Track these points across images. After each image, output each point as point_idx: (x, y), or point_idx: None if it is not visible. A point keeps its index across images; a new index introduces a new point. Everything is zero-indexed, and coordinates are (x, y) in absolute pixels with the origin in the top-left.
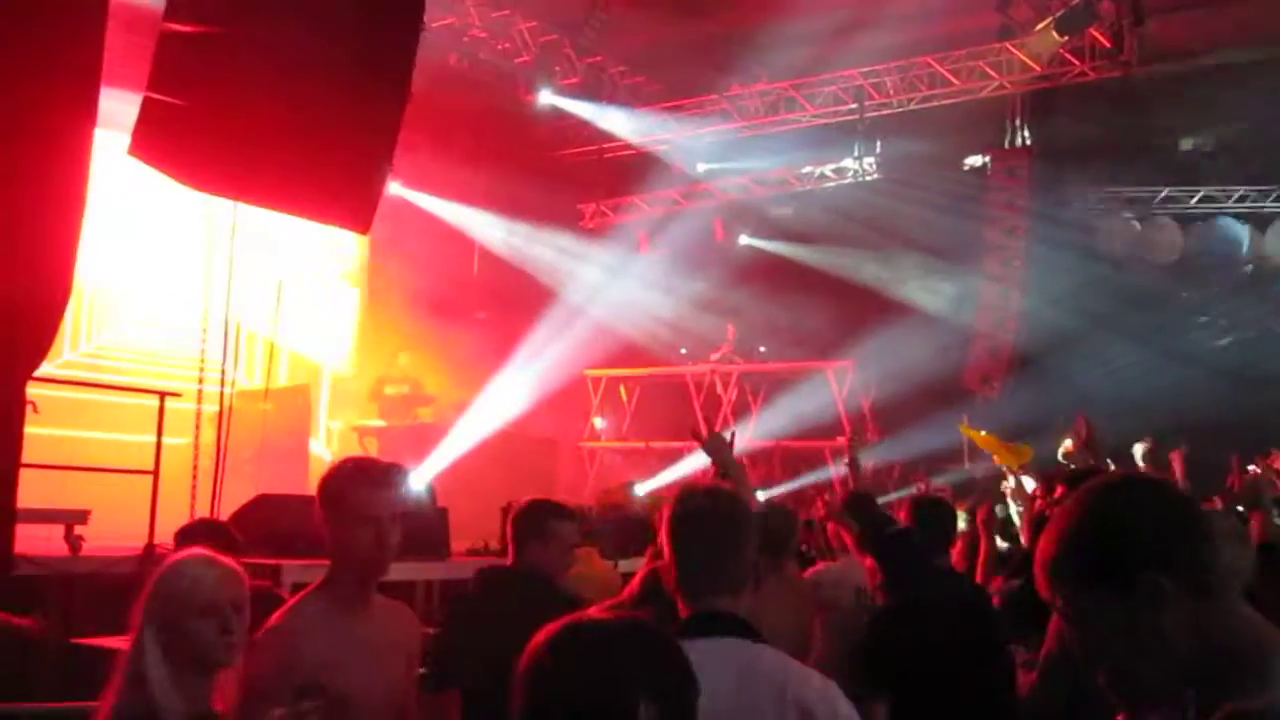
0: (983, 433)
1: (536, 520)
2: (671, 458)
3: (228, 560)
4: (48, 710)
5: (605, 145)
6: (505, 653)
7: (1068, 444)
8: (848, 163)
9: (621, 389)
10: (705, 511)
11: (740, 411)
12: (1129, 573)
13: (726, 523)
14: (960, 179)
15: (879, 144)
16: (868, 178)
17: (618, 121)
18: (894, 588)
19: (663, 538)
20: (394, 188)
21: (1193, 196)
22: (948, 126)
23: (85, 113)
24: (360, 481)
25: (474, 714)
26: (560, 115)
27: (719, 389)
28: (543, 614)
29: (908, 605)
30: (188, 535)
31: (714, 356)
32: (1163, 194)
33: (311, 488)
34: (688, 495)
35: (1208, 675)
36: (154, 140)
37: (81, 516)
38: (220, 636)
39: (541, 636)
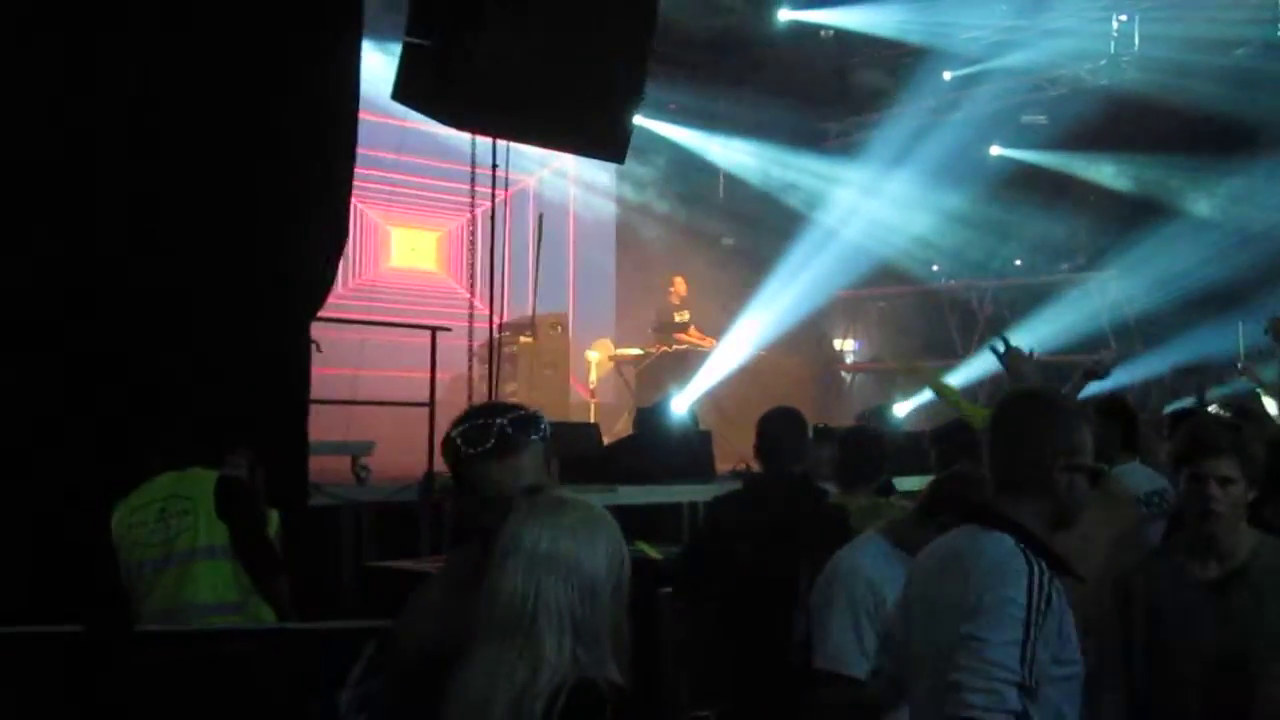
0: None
1: None
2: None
3: None
4: (348, 627)
5: (847, 64)
6: None
7: None
8: (1105, 62)
9: (874, 309)
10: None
11: (996, 328)
12: None
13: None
14: (1231, 70)
15: (1136, 37)
16: (1127, 76)
17: (861, 21)
18: None
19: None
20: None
21: None
22: (1214, 12)
23: (349, 63)
24: None
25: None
26: (800, 33)
27: (974, 305)
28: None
29: None
30: None
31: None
32: None
33: (574, 417)
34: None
35: None
36: (416, 84)
37: (367, 448)
38: None
39: None
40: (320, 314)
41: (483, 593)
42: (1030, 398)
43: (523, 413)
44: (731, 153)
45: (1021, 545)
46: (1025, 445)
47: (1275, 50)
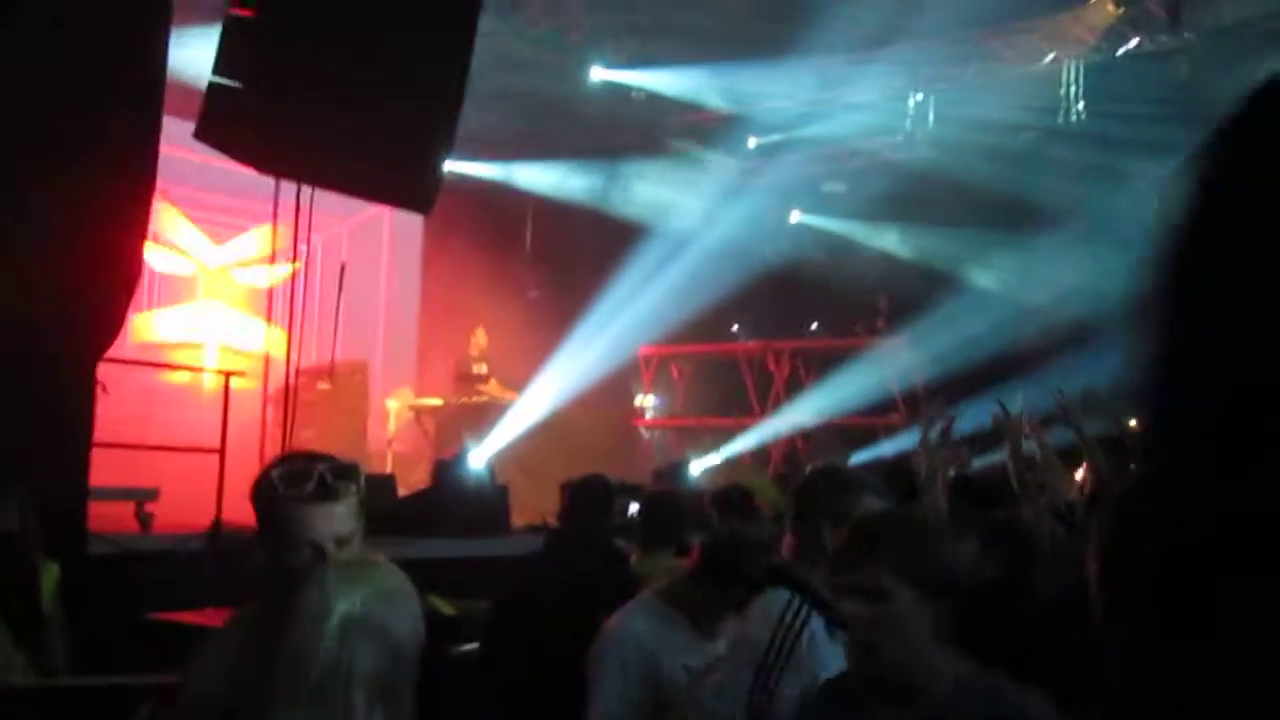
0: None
1: None
2: (725, 435)
3: None
4: (122, 683)
5: (657, 125)
6: None
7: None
8: (901, 138)
9: (674, 367)
10: None
11: (792, 389)
12: None
13: None
14: (1016, 152)
15: (931, 116)
16: (921, 152)
17: (672, 85)
18: None
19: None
20: (449, 165)
21: None
22: (1003, 98)
23: (152, 101)
24: None
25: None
26: (612, 93)
27: (771, 365)
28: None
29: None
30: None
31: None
32: None
33: (370, 466)
34: None
35: None
36: (219, 124)
37: (151, 494)
38: None
39: None
40: (109, 355)
41: (288, 655)
42: (818, 470)
43: (341, 463)
44: (540, 200)
45: (796, 596)
46: (808, 511)
47: (1056, 136)
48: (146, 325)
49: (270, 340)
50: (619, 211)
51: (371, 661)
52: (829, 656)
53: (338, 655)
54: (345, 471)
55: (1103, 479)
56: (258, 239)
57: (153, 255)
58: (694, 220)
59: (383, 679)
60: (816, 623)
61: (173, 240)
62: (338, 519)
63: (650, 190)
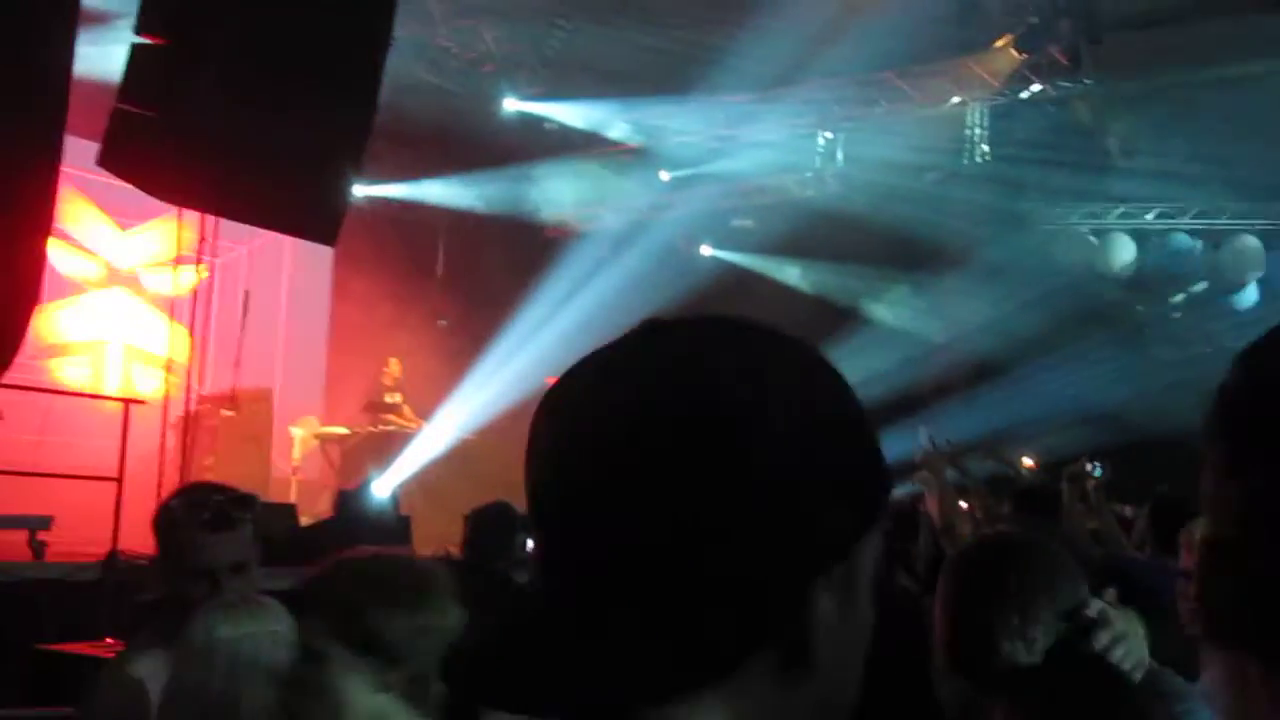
0: None
1: None
2: None
3: None
4: (18, 716)
5: (568, 156)
6: None
7: (1027, 462)
8: (809, 175)
9: None
10: None
11: None
12: None
13: None
14: (922, 192)
15: (840, 155)
16: (829, 189)
17: (584, 118)
18: None
19: None
20: (359, 188)
21: (1148, 212)
22: (909, 138)
23: (54, 120)
24: None
25: None
26: (524, 124)
27: None
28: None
29: None
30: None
31: None
32: (1119, 210)
33: (272, 495)
34: None
35: None
36: (124, 151)
37: (45, 522)
38: None
39: None
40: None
41: (177, 690)
42: None
43: (239, 493)
44: (452, 224)
45: None
46: None
47: (960, 178)
48: (47, 325)
49: (175, 346)
50: (531, 219)
51: (259, 697)
52: None
53: (228, 691)
54: (243, 501)
55: (988, 516)
56: (163, 238)
57: (56, 255)
58: (605, 251)
59: (270, 713)
60: None
61: (78, 238)
62: (234, 547)
63: (560, 197)
